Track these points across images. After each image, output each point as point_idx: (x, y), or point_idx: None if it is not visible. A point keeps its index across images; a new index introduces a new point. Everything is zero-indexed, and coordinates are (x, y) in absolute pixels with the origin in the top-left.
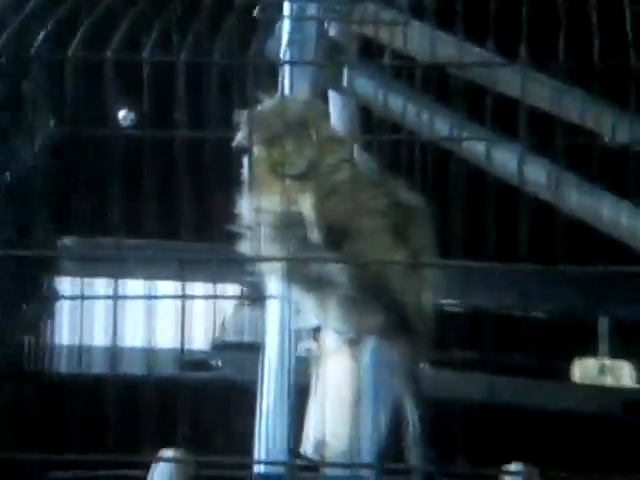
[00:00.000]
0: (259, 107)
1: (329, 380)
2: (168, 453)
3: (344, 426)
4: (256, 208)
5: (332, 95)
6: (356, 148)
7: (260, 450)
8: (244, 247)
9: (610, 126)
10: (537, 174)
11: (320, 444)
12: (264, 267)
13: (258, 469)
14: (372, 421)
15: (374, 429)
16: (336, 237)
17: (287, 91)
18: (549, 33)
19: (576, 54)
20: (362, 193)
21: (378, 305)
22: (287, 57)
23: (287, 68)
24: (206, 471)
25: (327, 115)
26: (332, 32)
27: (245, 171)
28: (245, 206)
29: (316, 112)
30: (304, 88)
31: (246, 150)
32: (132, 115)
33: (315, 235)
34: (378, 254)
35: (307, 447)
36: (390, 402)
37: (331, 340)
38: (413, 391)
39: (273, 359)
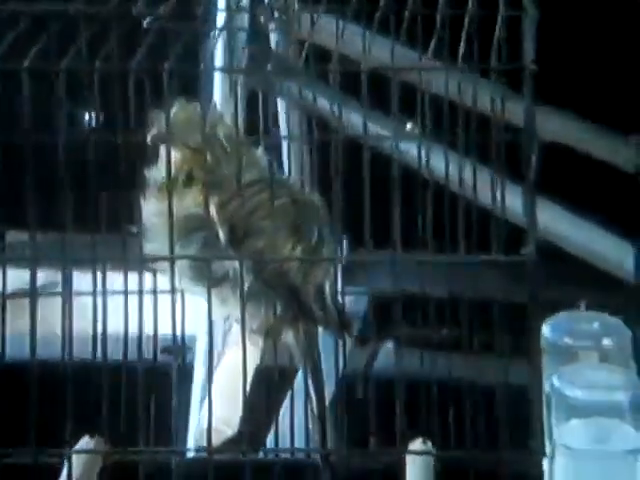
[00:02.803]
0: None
1: (228, 370)
2: (83, 442)
3: (236, 413)
4: (160, 211)
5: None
6: (260, 151)
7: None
8: (146, 247)
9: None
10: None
11: (203, 432)
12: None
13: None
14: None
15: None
16: (238, 237)
17: (219, 98)
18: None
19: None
20: (263, 194)
21: (279, 297)
22: (219, 64)
23: (218, 75)
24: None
25: (226, 120)
26: (273, 38)
27: (149, 174)
28: (148, 208)
29: (221, 117)
30: (238, 93)
31: (157, 150)
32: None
33: (220, 235)
34: (277, 251)
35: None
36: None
37: (235, 331)
38: (315, 375)
39: (201, 349)
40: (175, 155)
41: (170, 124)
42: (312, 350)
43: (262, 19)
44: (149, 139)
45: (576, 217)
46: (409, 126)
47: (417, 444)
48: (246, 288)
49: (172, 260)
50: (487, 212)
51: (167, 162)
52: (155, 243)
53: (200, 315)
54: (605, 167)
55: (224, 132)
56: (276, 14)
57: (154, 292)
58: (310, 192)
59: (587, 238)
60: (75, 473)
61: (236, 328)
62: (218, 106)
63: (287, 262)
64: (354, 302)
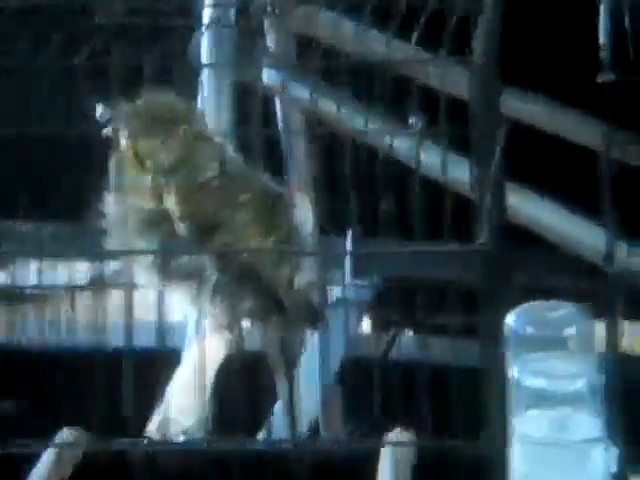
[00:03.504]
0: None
1: (193, 361)
2: (62, 434)
3: (192, 404)
4: (122, 205)
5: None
6: (227, 144)
7: None
8: (111, 243)
9: None
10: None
11: (163, 422)
12: (134, 261)
13: None
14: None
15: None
16: (204, 230)
17: (207, 92)
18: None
19: None
20: (229, 188)
21: (249, 291)
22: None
23: (206, 70)
24: None
25: (198, 114)
26: (270, 33)
27: (111, 168)
28: (111, 203)
29: (186, 111)
30: (224, 89)
31: (113, 143)
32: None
33: (181, 229)
34: (246, 244)
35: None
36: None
37: (208, 325)
38: (286, 367)
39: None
40: (133, 144)
41: (131, 112)
42: (284, 342)
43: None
44: (104, 132)
45: (548, 200)
46: (411, 121)
47: (395, 433)
48: (213, 283)
49: (157, 255)
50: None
51: (116, 157)
52: (116, 239)
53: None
54: (575, 148)
55: (192, 128)
56: (269, 8)
57: None
58: (279, 185)
59: (560, 221)
60: (49, 463)
61: (207, 322)
62: (200, 101)
63: (257, 256)
64: (361, 291)
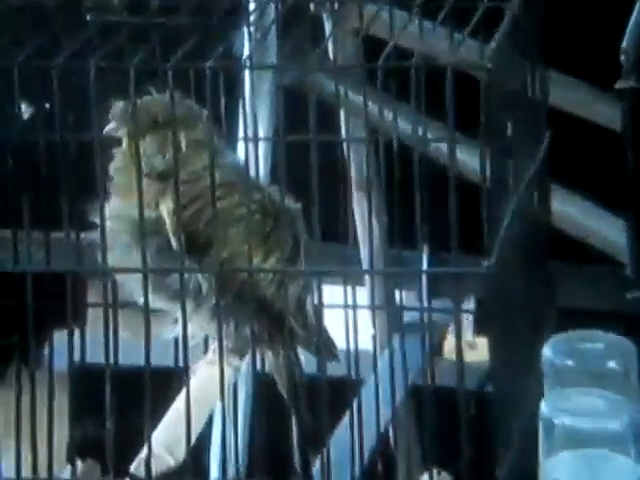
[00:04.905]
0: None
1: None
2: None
3: (181, 440)
4: (113, 214)
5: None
6: (231, 154)
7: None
8: (108, 257)
9: None
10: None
11: (141, 460)
12: (123, 277)
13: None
14: None
15: None
16: (198, 245)
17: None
18: None
19: None
20: (227, 200)
21: (250, 312)
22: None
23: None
24: None
25: (200, 120)
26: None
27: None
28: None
29: (188, 115)
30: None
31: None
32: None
33: (174, 242)
34: (244, 262)
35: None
36: None
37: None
38: (293, 393)
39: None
40: (128, 144)
41: (123, 115)
42: (291, 371)
43: (312, 8)
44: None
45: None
46: None
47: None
48: (212, 303)
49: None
50: None
51: (100, 162)
52: (114, 251)
53: None
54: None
55: (192, 134)
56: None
57: None
58: (285, 198)
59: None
60: None
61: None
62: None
63: (257, 274)
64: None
